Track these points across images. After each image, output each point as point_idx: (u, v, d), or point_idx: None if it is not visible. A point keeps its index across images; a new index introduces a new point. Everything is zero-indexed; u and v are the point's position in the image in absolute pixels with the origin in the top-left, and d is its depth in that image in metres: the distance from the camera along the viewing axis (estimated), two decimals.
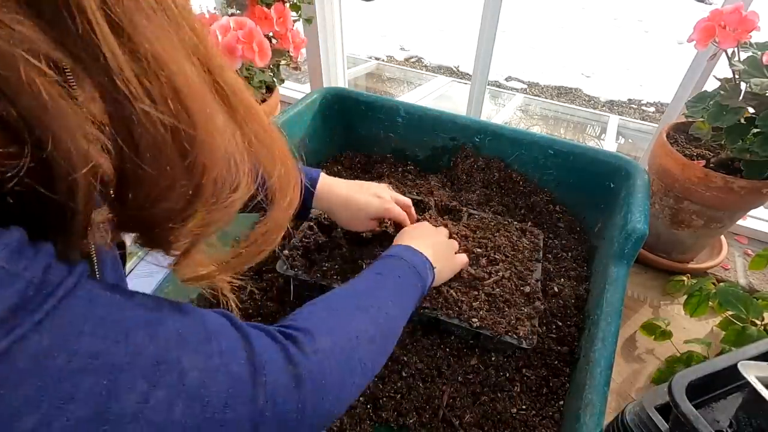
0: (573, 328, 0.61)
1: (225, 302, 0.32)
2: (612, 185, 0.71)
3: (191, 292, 0.64)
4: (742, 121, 0.63)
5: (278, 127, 0.29)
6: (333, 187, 0.58)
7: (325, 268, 0.62)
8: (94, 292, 0.20)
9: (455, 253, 0.60)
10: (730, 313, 0.63)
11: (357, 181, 0.62)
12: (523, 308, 0.59)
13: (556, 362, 0.58)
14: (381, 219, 0.61)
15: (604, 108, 3.02)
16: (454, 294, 0.59)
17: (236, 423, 0.25)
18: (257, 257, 0.32)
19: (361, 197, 0.58)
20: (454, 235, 0.65)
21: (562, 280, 0.66)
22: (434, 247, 0.55)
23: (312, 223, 0.70)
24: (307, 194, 0.56)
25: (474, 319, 0.57)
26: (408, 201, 0.63)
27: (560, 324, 0.61)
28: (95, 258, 0.23)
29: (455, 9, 4.56)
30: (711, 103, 0.67)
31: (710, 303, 0.66)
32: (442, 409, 0.54)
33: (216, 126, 0.22)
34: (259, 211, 0.44)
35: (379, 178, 0.83)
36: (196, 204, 0.23)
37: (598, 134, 2.22)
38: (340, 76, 1.34)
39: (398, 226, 0.62)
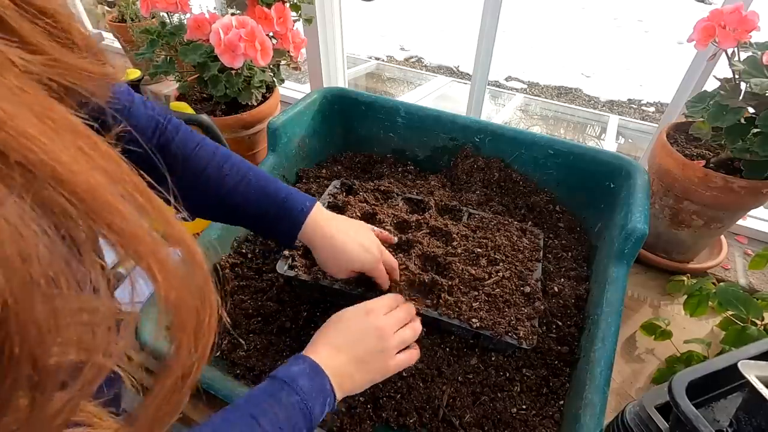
0: (573, 328, 0.61)
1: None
2: (612, 185, 0.71)
3: None
4: (742, 121, 0.63)
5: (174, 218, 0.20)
6: (322, 226, 0.52)
7: None
8: None
9: (396, 343, 0.49)
10: (730, 313, 0.63)
11: (348, 222, 0.56)
12: (523, 308, 0.59)
13: (556, 362, 0.58)
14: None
15: (604, 108, 3.03)
16: (454, 294, 0.59)
17: None
18: None
19: (349, 246, 0.53)
20: (416, 301, 0.58)
21: (562, 280, 0.66)
22: (357, 351, 0.46)
23: None
24: (296, 224, 0.51)
25: (474, 320, 0.57)
26: (395, 263, 0.59)
27: (560, 324, 0.61)
28: None
29: (455, 9, 4.56)
30: (711, 103, 0.67)
31: (710, 303, 0.66)
32: (442, 409, 0.54)
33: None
34: None
35: (379, 178, 0.83)
36: None
37: (598, 134, 2.22)
38: (340, 76, 1.34)
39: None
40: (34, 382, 0.14)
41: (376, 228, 0.61)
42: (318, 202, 0.53)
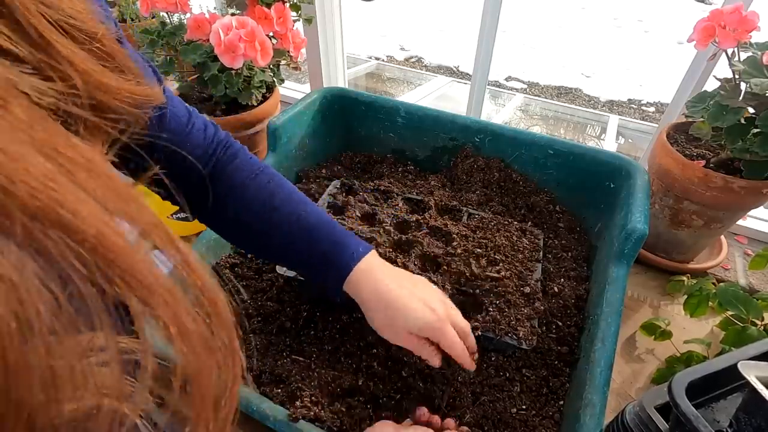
0: (573, 328, 0.61)
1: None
2: (612, 185, 0.71)
3: None
4: (742, 121, 0.63)
5: (198, 262, 0.18)
6: (374, 277, 0.44)
7: None
8: None
9: None
10: (730, 313, 0.63)
11: (407, 275, 0.47)
12: (523, 309, 0.59)
13: (556, 362, 0.58)
14: (426, 339, 0.46)
15: (604, 108, 3.03)
16: (454, 295, 0.59)
17: None
18: None
19: (405, 301, 0.43)
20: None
21: (562, 280, 0.66)
22: None
23: None
24: (342, 273, 0.44)
25: (473, 320, 0.57)
26: (467, 327, 0.47)
27: (560, 324, 0.61)
28: None
29: (455, 9, 4.56)
30: (711, 103, 0.67)
31: (710, 303, 0.66)
32: (442, 409, 0.54)
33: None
34: None
35: (379, 178, 0.83)
36: None
37: (598, 134, 2.22)
38: (340, 76, 1.34)
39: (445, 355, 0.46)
40: None
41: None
42: (373, 250, 0.46)
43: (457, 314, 0.47)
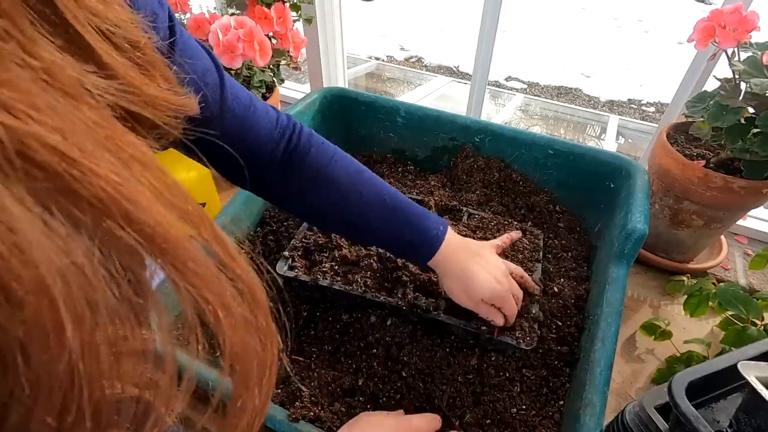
0: (573, 328, 0.61)
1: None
2: (612, 185, 0.71)
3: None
4: (742, 121, 0.63)
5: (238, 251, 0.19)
6: (455, 252, 0.51)
7: (325, 269, 0.62)
8: None
9: None
10: (730, 313, 0.63)
11: (478, 248, 0.54)
12: (522, 309, 0.59)
13: (556, 362, 0.58)
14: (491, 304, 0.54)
15: (604, 108, 3.02)
16: None
17: None
18: None
19: (480, 275, 0.51)
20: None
21: (562, 280, 0.66)
22: None
23: None
24: (429, 251, 0.50)
25: (473, 320, 0.57)
26: (520, 294, 0.56)
27: (560, 324, 0.61)
28: None
29: (455, 9, 4.56)
30: (711, 103, 0.67)
31: (710, 303, 0.66)
32: (442, 409, 0.54)
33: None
34: None
35: None
36: None
37: (598, 134, 2.22)
38: (340, 76, 1.34)
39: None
40: None
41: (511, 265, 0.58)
42: (450, 227, 0.52)
43: (514, 284, 0.55)
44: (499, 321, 0.54)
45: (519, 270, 0.58)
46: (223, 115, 0.43)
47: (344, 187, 0.49)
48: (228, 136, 0.42)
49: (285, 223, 0.74)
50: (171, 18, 0.35)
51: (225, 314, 0.17)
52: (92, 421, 0.14)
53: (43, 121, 0.13)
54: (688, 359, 0.62)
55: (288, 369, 0.56)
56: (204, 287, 0.17)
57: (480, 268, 0.52)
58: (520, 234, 0.65)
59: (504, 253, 0.66)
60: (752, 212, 0.85)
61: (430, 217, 0.51)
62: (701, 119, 0.69)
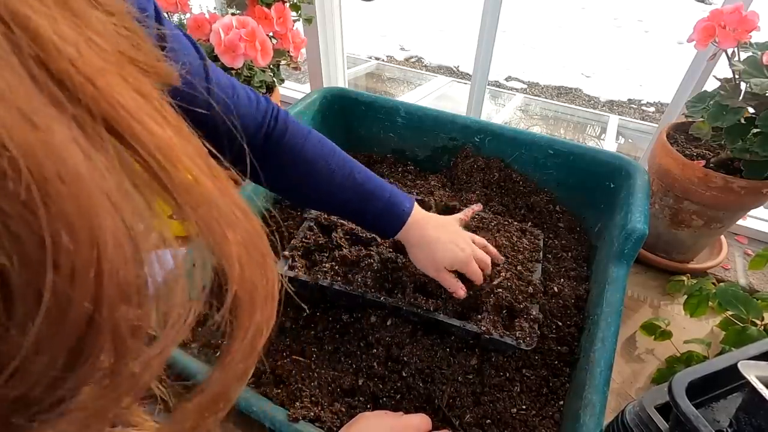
0: (573, 328, 0.61)
1: None
2: (612, 185, 0.71)
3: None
4: (742, 121, 0.63)
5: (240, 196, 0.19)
6: (420, 225, 0.55)
7: (325, 269, 0.62)
8: None
9: None
10: (730, 313, 0.63)
11: (442, 220, 0.58)
12: (522, 309, 0.59)
13: (556, 362, 0.58)
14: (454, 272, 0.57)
15: (604, 108, 3.02)
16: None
17: None
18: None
19: (443, 244, 0.55)
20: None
21: (562, 280, 0.66)
22: None
23: (312, 224, 0.70)
24: (397, 223, 0.54)
25: (473, 321, 0.57)
26: (487, 259, 0.59)
27: (560, 324, 0.61)
28: None
29: (455, 9, 4.56)
30: (711, 103, 0.67)
31: (710, 303, 0.66)
32: (442, 409, 0.54)
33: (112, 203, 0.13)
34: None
35: None
36: (73, 380, 0.14)
37: (598, 134, 2.22)
38: (340, 76, 1.34)
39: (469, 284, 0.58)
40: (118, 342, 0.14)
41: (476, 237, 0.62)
42: (416, 202, 0.56)
43: (477, 250, 0.58)
44: (461, 293, 0.57)
45: (482, 240, 0.62)
46: (209, 103, 0.43)
47: (318, 163, 0.51)
48: (213, 124, 0.43)
49: (285, 223, 0.74)
50: (156, 8, 0.37)
51: (234, 236, 0.18)
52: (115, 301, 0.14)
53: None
54: (688, 359, 0.62)
55: (288, 369, 0.56)
56: (230, 228, 0.18)
57: (443, 236, 0.56)
58: (481, 206, 0.69)
59: (504, 253, 0.66)
60: (752, 212, 0.85)
61: (398, 193, 0.55)
62: (701, 119, 0.69)
